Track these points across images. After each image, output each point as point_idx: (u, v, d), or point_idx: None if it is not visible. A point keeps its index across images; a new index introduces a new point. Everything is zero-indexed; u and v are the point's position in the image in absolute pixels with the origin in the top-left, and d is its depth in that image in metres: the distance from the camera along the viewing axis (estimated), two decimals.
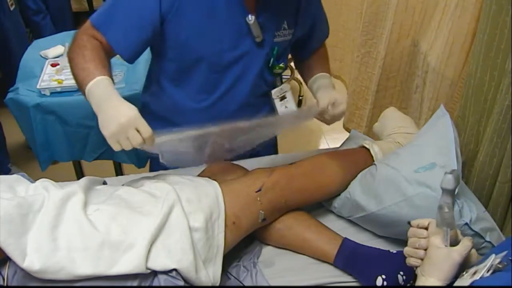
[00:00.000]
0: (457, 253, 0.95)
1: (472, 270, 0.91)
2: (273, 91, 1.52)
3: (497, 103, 1.33)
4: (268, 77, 1.48)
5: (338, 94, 1.41)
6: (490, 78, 1.36)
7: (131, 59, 1.36)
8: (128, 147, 1.13)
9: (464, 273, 0.94)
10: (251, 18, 1.33)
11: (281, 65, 1.47)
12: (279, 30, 1.41)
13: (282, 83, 1.54)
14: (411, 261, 1.04)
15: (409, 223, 1.07)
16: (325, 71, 1.54)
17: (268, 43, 1.41)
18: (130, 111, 1.14)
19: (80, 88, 1.23)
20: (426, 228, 1.03)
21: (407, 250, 1.05)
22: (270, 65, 1.45)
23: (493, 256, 0.90)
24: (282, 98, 1.54)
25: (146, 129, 1.13)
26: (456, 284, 0.93)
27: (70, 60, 1.26)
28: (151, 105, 1.60)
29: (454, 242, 0.97)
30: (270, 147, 1.78)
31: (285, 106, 1.55)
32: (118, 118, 1.12)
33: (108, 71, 1.24)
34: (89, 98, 1.19)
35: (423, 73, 2.04)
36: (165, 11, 1.29)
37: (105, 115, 1.15)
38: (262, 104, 1.53)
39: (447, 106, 1.66)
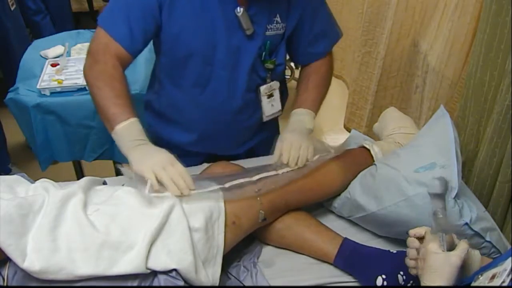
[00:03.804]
0: (456, 256, 0.94)
1: (489, 274, 0.90)
2: (262, 88, 1.50)
3: (497, 103, 1.33)
4: (261, 72, 1.48)
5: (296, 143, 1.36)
6: (490, 78, 1.36)
7: (134, 52, 1.37)
8: (165, 178, 1.17)
9: (480, 276, 0.94)
10: (239, 10, 1.34)
11: (273, 60, 1.46)
12: (271, 23, 1.41)
13: (272, 80, 1.51)
14: (413, 272, 1.04)
15: (407, 233, 1.07)
16: (306, 106, 1.48)
17: (260, 36, 1.40)
18: (166, 153, 1.23)
19: (105, 118, 1.28)
20: (423, 237, 1.03)
21: (407, 261, 1.06)
22: (262, 59, 1.44)
23: (510, 259, 0.89)
24: (270, 95, 1.53)
25: (179, 165, 1.20)
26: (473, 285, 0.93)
27: (96, 88, 1.30)
28: (153, 103, 1.60)
29: (450, 247, 0.97)
30: (268, 145, 1.77)
31: (271, 104, 1.54)
32: (154, 156, 1.21)
33: (133, 107, 1.30)
34: (119, 135, 1.24)
35: (423, 73, 2.04)
36: (161, 2, 1.31)
37: (139, 156, 1.21)
38: (258, 100, 1.53)
39: (447, 106, 1.66)
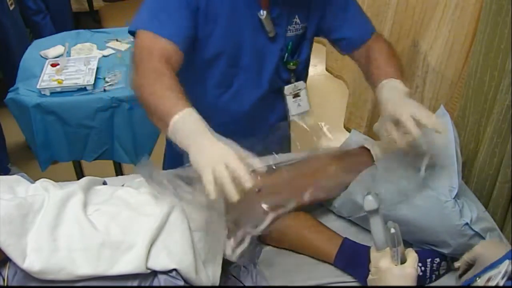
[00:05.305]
0: (410, 268, 0.93)
1: (485, 277, 0.90)
2: (286, 88, 1.50)
3: (497, 103, 1.33)
4: (283, 73, 1.48)
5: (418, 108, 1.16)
6: (490, 78, 1.36)
7: (184, 48, 1.27)
8: (224, 176, 0.96)
9: (478, 278, 0.93)
10: (263, 13, 1.35)
11: (295, 60, 1.47)
12: (291, 24, 1.41)
13: (297, 80, 1.51)
14: None
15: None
16: (392, 75, 1.29)
17: (281, 37, 1.41)
18: (227, 147, 1.03)
19: (156, 117, 1.12)
20: None
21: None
22: (284, 60, 1.45)
23: (507, 262, 0.89)
24: (296, 95, 1.53)
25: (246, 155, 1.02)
26: None
27: (143, 87, 1.15)
28: None
29: (402, 258, 0.95)
30: (280, 144, 1.74)
31: (298, 104, 1.54)
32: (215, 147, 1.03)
33: (188, 99, 1.13)
34: (175, 130, 1.06)
35: (423, 73, 2.04)
36: (198, 6, 1.30)
37: (198, 148, 1.03)
38: (277, 100, 1.53)
39: (447, 106, 1.66)
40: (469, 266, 1.11)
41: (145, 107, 1.16)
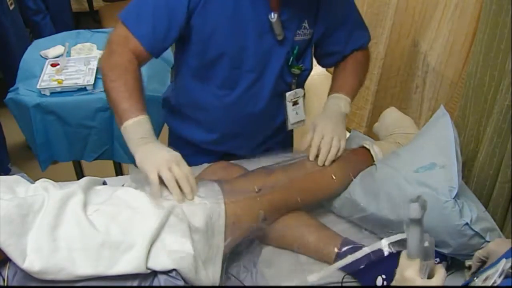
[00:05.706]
0: (437, 284, 0.89)
1: (483, 276, 0.90)
2: (288, 94, 1.50)
3: (497, 103, 1.33)
4: (287, 77, 1.48)
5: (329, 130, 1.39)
6: (490, 78, 1.36)
7: (157, 54, 1.39)
8: (169, 180, 1.17)
9: (475, 278, 0.93)
10: (273, 16, 1.34)
11: (300, 65, 1.47)
12: (300, 28, 1.41)
13: (297, 87, 1.52)
14: None
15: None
16: (343, 91, 1.49)
17: (289, 41, 1.41)
18: (172, 152, 1.23)
19: (115, 112, 1.28)
20: None
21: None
22: (289, 63, 1.45)
23: (503, 261, 0.89)
24: (295, 103, 1.53)
25: (185, 166, 1.21)
26: None
27: (109, 79, 1.30)
28: (171, 100, 1.60)
29: (430, 273, 0.92)
30: (284, 145, 1.75)
31: (296, 112, 1.54)
32: (160, 154, 1.21)
33: (145, 103, 1.30)
34: (127, 132, 1.25)
35: (423, 73, 2.04)
36: (193, 6, 1.31)
37: (145, 154, 1.22)
38: (281, 105, 1.53)
39: (447, 106, 1.66)
40: (483, 263, 1.09)
41: (106, 95, 1.32)
